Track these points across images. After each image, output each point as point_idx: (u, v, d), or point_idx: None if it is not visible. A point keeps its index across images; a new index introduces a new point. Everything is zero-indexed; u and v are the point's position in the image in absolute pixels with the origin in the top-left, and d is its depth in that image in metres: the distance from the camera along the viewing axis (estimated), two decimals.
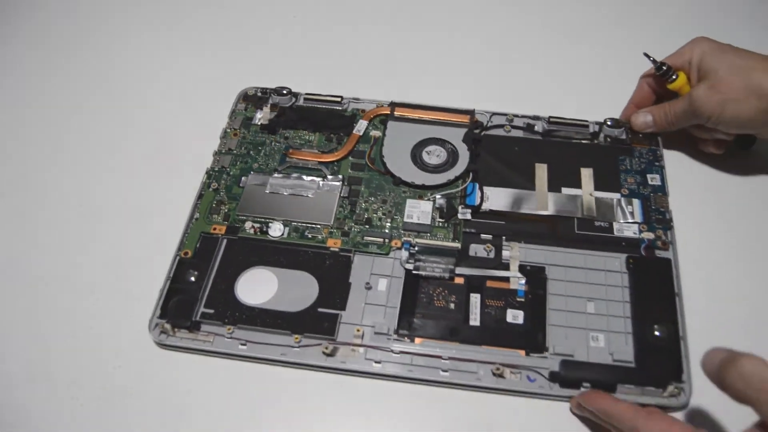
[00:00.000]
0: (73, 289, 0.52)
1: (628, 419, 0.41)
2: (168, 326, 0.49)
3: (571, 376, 0.46)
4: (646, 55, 0.57)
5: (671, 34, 0.61)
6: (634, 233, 0.53)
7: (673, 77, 0.56)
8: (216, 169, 0.57)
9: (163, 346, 0.49)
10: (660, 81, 0.58)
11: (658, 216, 0.54)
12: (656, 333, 0.48)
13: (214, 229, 0.54)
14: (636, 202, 0.55)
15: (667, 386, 0.46)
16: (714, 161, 0.59)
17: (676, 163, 0.59)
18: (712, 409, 0.46)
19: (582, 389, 0.46)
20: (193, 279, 0.51)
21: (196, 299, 0.50)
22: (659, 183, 0.57)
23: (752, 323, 0.50)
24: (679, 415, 0.46)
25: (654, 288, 0.51)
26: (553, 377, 0.47)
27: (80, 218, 0.57)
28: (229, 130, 0.60)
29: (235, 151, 0.59)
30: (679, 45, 0.57)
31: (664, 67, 0.56)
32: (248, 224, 0.54)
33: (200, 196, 0.56)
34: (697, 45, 0.56)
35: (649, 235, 0.53)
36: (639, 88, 0.61)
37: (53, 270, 0.54)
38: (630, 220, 0.54)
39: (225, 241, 0.53)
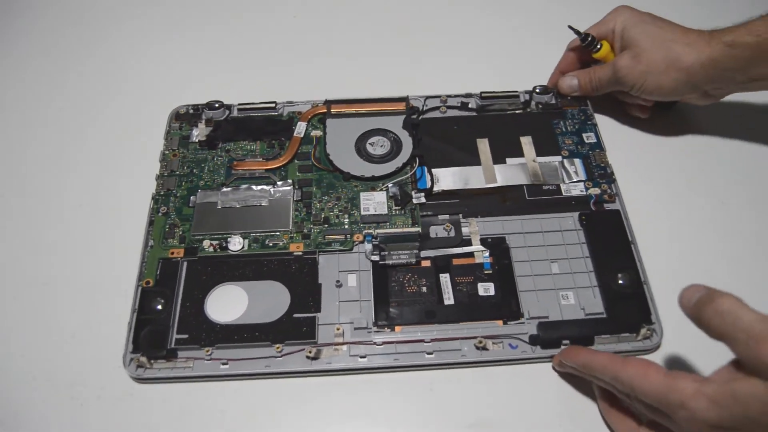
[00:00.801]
0: (37, 335, 0.50)
1: (607, 368, 0.42)
2: (144, 359, 0.47)
3: (549, 336, 0.48)
4: (570, 27, 0.59)
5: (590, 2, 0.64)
6: (581, 191, 0.56)
7: (598, 47, 0.58)
8: (162, 192, 0.56)
9: (141, 380, 0.48)
10: (585, 51, 0.60)
11: (599, 172, 0.57)
12: (620, 281, 0.50)
13: (172, 253, 0.52)
14: (577, 161, 0.57)
15: (639, 330, 0.48)
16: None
17: (606, 119, 0.61)
18: (685, 349, 0.49)
19: (562, 347, 0.48)
20: (160, 307, 0.50)
21: (167, 326, 0.49)
22: (595, 140, 0.59)
23: (702, 257, 0.53)
24: (654, 358, 0.48)
25: (609, 239, 0.53)
26: (533, 340, 0.48)
27: (30, 259, 0.54)
28: (167, 152, 0.59)
29: (178, 172, 0.57)
30: (600, 12, 0.59)
31: (589, 38, 0.58)
32: (206, 243, 0.53)
33: (151, 223, 0.54)
34: (620, 14, 0.58)
35: (596, 191, 0.55)
36: (564, 57, 0.63)
37: (11, 316, 0.51)
38: (575, 180, 0.56)
39: (185, 263, 0.52)
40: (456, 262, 0.52)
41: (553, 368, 0.48)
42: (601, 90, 0.60)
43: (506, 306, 0.50)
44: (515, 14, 0.72)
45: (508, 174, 0.57)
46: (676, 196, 0.57)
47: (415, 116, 0.61)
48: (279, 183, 0.56)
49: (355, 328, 0.49)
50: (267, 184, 0.56)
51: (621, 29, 0.57)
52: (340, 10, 0.73)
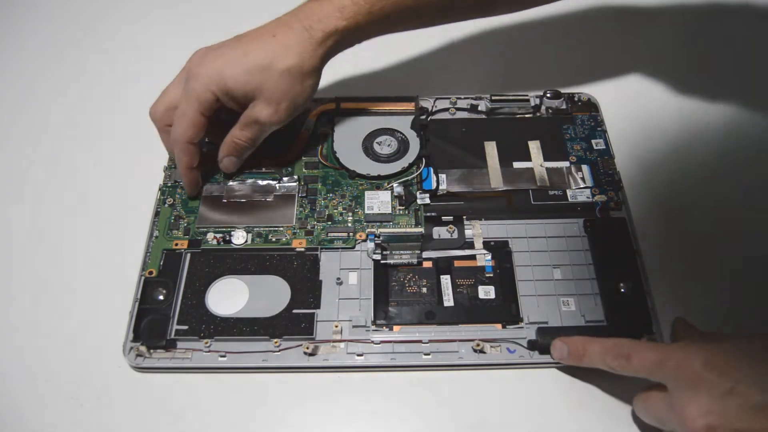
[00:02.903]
0: (37, 322, 0.51)
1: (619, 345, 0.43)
2: (143, 348, 0.48)
3: (548, 342, 0.48)
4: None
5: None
6: (588, 197, 0.55)
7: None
8: (168, 184, 0.57)
9: (140, 369, 0.48)
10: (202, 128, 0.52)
11: (607, 178, 0.56)
12: (622, 290, 0.50)
13: (176, 244, 0.53)
14: (585, 167, 0.57)
15: (640, 339, 0.47)
16: (652, 119, 0.62)
17: (616, 125, 0.61)
18: None
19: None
20: (161, 297, 0.50)
21: (168, 317, 0.49)
22: (604, 147, 0.59)
23: (706, 269, 0.53)
24: None
25: (613, 247, 0.52)
26: (532, 345, 0.48)
27: (35, 248, 0.55)
28: None
29: None
30: None
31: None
32: (210, 235, 0.53)
33: (157, 213, 0.55)
34: (206, 77, 0.50)
35: (602, 198, 0.55)
36: (186, 152, 0.53)
37: (11, 305, 0.52)
38: (582, 186, 0.56)
39: (188, 255, 0.52)
40: (457, 264, 0.52)
41: (552, 355, 0.48)
42: (257, 144, 0.55)
43: (506, 310, 0.49)
44: (529, 18, 0.72)
45: (515, 177, 0.57)
46: (682, 206, 0.56)
47: (423, 117, 0.61)
48: (284, 179, 0.56)
49: (354, 326, 0.49)
50: (273, 180, 0.57)
51: (221, 90, 0.50)
52: None
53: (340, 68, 0.67)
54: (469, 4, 0.54)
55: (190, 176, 0.54)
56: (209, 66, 0.50)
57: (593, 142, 0.59)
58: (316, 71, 0.52)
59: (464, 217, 0.54)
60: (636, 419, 0.45)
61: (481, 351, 0.48)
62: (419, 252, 0.52)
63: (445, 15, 0.55)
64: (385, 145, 0.59)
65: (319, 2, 0.51)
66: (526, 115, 0.61)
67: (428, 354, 0.48)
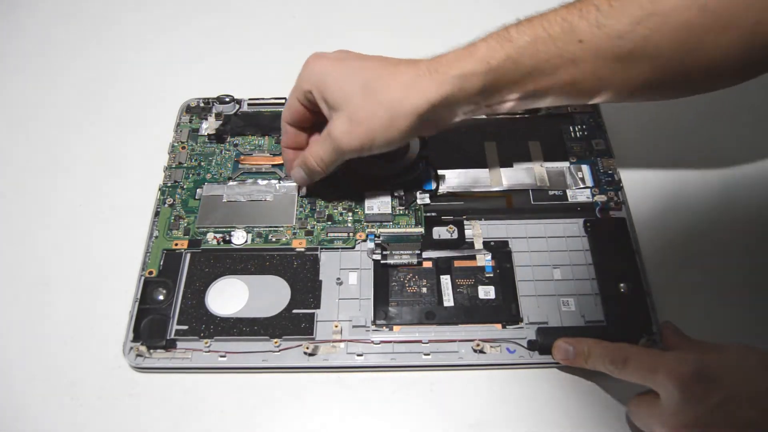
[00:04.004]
0: (37, 322, 0.51)
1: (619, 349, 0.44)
2: (143, 348, 0.48)
3: (548, 342, 0.48)
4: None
5: None
6: (588, 197, 0.55)
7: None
8: (169, 184, 0.57)
9: (140, 369, 0.48)
10: (304, 118, 0.52)
11: (607, 178, 0.56)
12: (622, 290, 0.50)
13: (176, 244, 0.53)
14: (585, 167, 0.57)
15: (639, 340, 0.48)
16: (652, 120, 0.61)
17: (616, 125, 0.61)
18: None
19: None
20: (161, 297, 0.50)
21: (168, 317, 0.49)
22: (603, 147, 0.59)
23: (707, 269, 0.53)
24: None
25: (613, 247, 0.52)
26: (532, 345, 0.48)
27: (35, 248, 0.55)
28: (176, 144, 0.59)
29: (185, 165, 0.58)
30: None
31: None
32: (210, 235, 0.53)
33: (157, 214, 0.55)
34: (310, 70, 0.49)
35: (602, 198, 0.55)
36: (284, 131, 0.54)
37: (13, 304, 0.52)
38: (582, 186, 0.56)
39: (188, 255, 0.52)
40: (457, 264, 0.52)
41: (552, 355, 0.48)
42: (333, 167, 0.51)
43: (506, 310, 0.50)
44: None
45: (515, 178, 0.57)
46: (682, 206, 0.56)
47: None
48: (285, 178, 0.57)
49: (354, 326, 0.49)
50: (273, 179, 0.57)
51: (319, 91, 0.48)
52: (352, 8, 0.73)
53: None
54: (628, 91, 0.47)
55: (284, 155, 0.54)
56: (324, 63, 0.49)
57: (593, 142, 0.59)
58: (417, 115, 0.46)
59: (464, 217, 0.54)
60: (630, 422, 0.45)
61: (481, 351, 0.48)
62: (419, 252, 0.52)
63: (584, 86, 0.47)
64: None
65: (456, 50, 0.46)
66: (526, 116, 0.61)
67: (428, 354, 0.48)
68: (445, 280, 0.51)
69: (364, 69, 0.47)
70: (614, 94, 0.47)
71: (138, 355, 0.48)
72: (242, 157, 0.58)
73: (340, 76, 0.47)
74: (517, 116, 0.61)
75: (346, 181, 0.56)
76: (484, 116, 0.61)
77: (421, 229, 0.54)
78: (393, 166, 0.56)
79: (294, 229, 0.54)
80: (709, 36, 0.42)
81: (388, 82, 0.46)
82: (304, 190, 0.56)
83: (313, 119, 0.52)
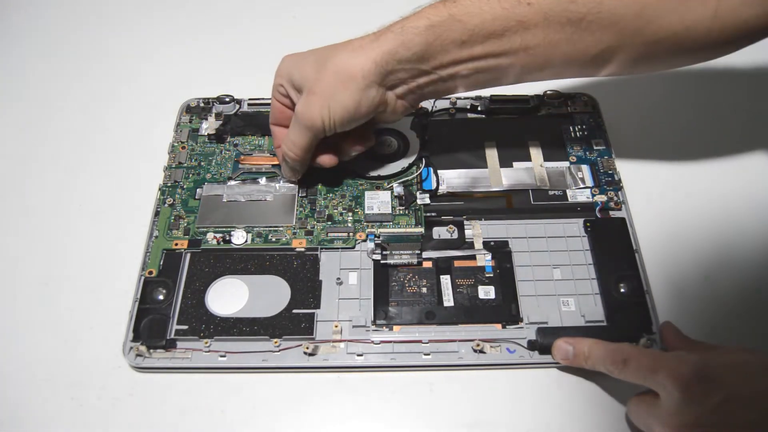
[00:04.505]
0: (37, 322, 0.51)
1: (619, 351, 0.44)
2: (143, 348, 0.48)
3: (548, 342, 0.48)
4: None
5: None
6: (587, 197, 0.55)
7: None
8: (169, 184, 0.57)
9: (140, 369, 0.48)
10: (285, 116, 0.53)
11: (607, 179, 0.56)
12: (622, 290, 0.50)
13: (176, 244, 0.53)
14: (585, 167, 0.57)
15: (639, 339, 0.48)
16: (652, 120, 0.62)
17: (616, 126, 0.61)
18: None
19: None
20: (161, 297, 0.50)
21: (168, 317, 0.49)
22: (603, 147, 0.59)
23: (707, 268, 0.53)
24: None
25: (613, 247, 0.52)
26: (532, 345, 0.48)
27: (35, 248, 0.55)
28: (176, 144, 0.59)
29: (185, 164, 0.58)
30: None
31: None
32: (210, 235, 0.53)
33: (157, 213, 0.55)
34: (280, 68, 0.51)
35: (602, 198, 0.55)
36: (273, 134, 0.55)
37: (11, 305, 0.52)
38: (582, 186, 0.56)
39: (188, 255, 0.52)
40: (457, 264, 0.52)
41: (552, 356, 0.48)
42: (306, 149, 0.51)
43: (506, 310, 0.49)
44: None
45: (515, 178, 0.57)
46: (682, 205, 0.56)
47: (423, 117, 0.61)
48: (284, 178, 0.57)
49: (354, 326, 0.49)
50: (273, 180, 0.57)
51: (288, 81, 0.50)
52: (352, 7, 0.73)
53: None
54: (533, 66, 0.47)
55: (277, 156, 0.55)
56: (292, 57, 0.51)
57: (593, 142, 0.59)
58: (363, 76, 0.46)
59: (464, 217, 0.54)
60: (629, 422, 0.45)
61: (481, 351, 0.48)
62: (419, 252, 0.52)
63: (535, 58, 0.47)
64: (385, 145, 0.59)
65: (404, 17, 0.47)
66: (526, 116, 0.61)
67: (428, 354, 0.48)
68: (445, 280, 0.51)
69: (324, 50, 0.49)
70: (572, 65, 0.47)
71: (138, 355, 0.48)
72: (242, 157, 0.58)
73: (302, 62, 0.49)
74: (517, 116, 0.61)
75: (344, 180, 0.56)
76: (483, 116, 0.61)
77: (421, 229, 0.54)
78: (392, 166, 0.57)
79: (294, 229, 0.54)
80: (670, 3, 0.42)
81: (337, 52, 0.47)
82: (299, 187, 0.56)
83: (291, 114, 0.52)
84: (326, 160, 0.53)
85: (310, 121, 0.48)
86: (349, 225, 0.54)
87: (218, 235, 0.53)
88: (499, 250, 0.53)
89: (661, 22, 0.43)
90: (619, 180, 0.56)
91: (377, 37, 0.46)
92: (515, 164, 0.58)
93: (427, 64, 0.46)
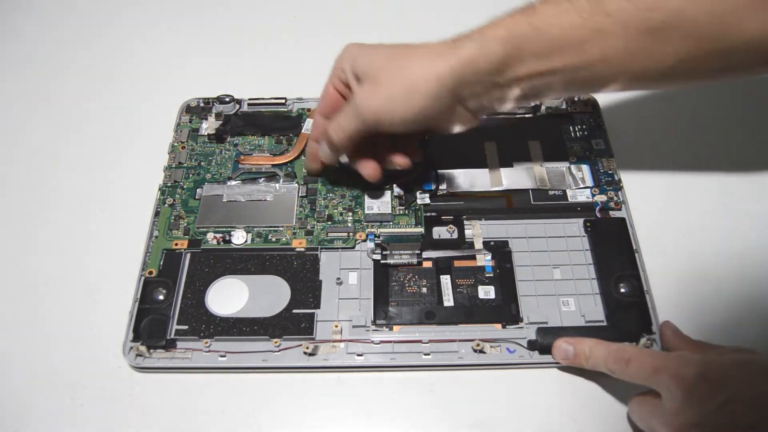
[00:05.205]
0: (37, 322, 0.51)
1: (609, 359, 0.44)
2: (143, 348, 0.48)
3: (548, 342, 0.48)
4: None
5: None
6: (587, 197, 0.55)
7: None
8: (169, 184, 0.57)
9: (140, 369, 0.48)
10: (336, 105, 0.51)
11: (607, 178, 0.56)
12: (622, 290, 0.50)
13: (176, 244, 0.53)
14: (585, 167, 0.57)
15: (639, 339, 0.48)
16: (652, 119, 0.62)
17: (616, 125, 0.61)
18: None
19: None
20: (161, 297, 0.50)
21: (168, 317, 0.49)
22: (603, 147, 0.59)
23: (707, 268, 0.53)
24: None
25: (613, 247, 0.52)
26: (532, 345, 0.48)
27: (35, 248, 0.55)
28: (176, 144, 0.59)
29: (185, 164, 0.58)
30: None
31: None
32: (210, 235, 0.53)
33: (157, 213, 0.55)
34: (345, 52, 0.50)
35: (602, 198, 0.55)
36: (315, 123, 0.54)
37: (13, 304, 0.52)
38: (582, 186, 0.56)
39: (188, 255, 0.52)
40: (457, 263, 0.52)
41: (552, 355, 0.48)
42: (352, 138, 0.49)
43: (506, 310, 0.49)
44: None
45: (515, 178, 0.57)
46: (682, 205, 0.56)
47: None
48: (285, 178, 0.57)
49: (354, 326, 0.49)
50: (273, 179, 0.57)
51: (351, 66, 0.48)
52: (352, 8, 0.73)
53: None
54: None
55: (309, 149, 0.55)
56: (358, 45, 0.49)
57: (593, 141, 0.59)
58: (437, 81, 0.44)
59: (464, 217, 0.54)
60: (630, 422, 0.45)
61: (481, 351, 0.48)
62: (419, 252, 0.52)
63: (613, 67, 0.45)
64: None
65: (482, 26, 0.46)
66: (526, 115, 0.61)
67: (428, 354, 0.48)
68: (445, 280, 0.51)
69: (393, 46, 0.47)
70: (646, 77, 0.46)
71: (138, 355, 0.48)
72: (242, 157, 0.58)
73: (370, 52, 0.48)
74: (517, 116, 0.61)
75: (344, 180, 0.56)
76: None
77: (421, 229, 0.54)
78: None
79: (294, 229, 0.54)
80: (749, 10, 0.41)
81: (413, 51, 0.46)
82: (299, 188, 0.56)
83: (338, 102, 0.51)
84: (370, 170, 0.52)
85: (369, 111, 0.47)
86: (349, 225, 0.54)
87: (218, 235, 0.53)
88: (499, 250, 0.53)
89: (740, 28, 0.42)
90: (619, 180, 0.56)
91: (455, 45, 0.45)
92: (515, 164, 0.58)
93: (503, 76, 0.45)
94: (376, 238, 0.53)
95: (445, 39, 0.46)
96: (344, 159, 0.53)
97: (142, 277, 0.51)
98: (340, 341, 0.49)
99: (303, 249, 0.53)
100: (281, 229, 0.54)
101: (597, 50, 0.43)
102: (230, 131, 0.60)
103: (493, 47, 0.44)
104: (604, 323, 0.49)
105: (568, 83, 0.46)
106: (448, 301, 0.50)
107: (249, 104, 0.62)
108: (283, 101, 0.62)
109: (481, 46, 0.44)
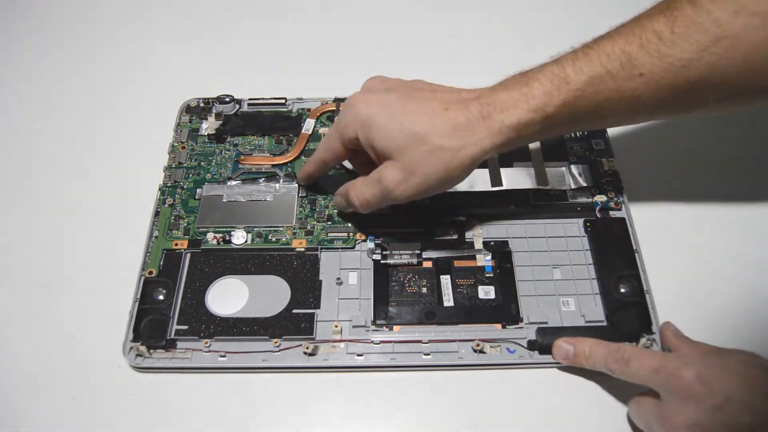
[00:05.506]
0: (37, 322, 0.51)
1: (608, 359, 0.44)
2: (143, 348, 0.48)
3: (548, 342, 0.48)
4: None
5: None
6: (588, 197, 0.55)
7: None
8: (169, 184, 0.57)
9: (140, 369, 0.48)
10: (343, 158, 0.51)
11: (607, 179, 0.56)
12: (622, 290, 0.50)
13: (176, 244, 0.53)
14: (585, 167, 0.57)
15: (639, 339, 0.48)
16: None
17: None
18: None
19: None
20: (161, 297, 0.50)
21: (168, 317, 0.49)
22: (603, 147, 0.59)
23: (708, 267, 0.53)
24: None
25: (613, 247, 0.52)
26: (532, 345, 0.48)
27: (35, 248, 0.55)
28: (176, 144, 0.59)
29: (185, 165, 0.58)
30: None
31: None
32: (210, 235, 0.53)
33: (157, 214, 0.55)
34: (354, 117, 0.46)
35: (602, 198, 0.55)
36: (315, 162, 0.52)
37: (11, 305, 0.52)
38: (582, 186, 0.56)
39: (188, 255, 0.52)
40: (457, 264, 0.52)
41: (553, 355, 0.48)
42: (374, 208, 0.49)
43: (506, 310, 0.49)
44: (525, 16, 0.72)
45: (515, 178, 0.57)
46: (682, 205, 0.56)
47: None
48: (285, 178, 0.57)
49: (354, 326, 0.49)
50: (273, 179, 0.57)
51: (364, 136, 0.46)
52: (353, 9, 0.73)
53: (340, 67, 0.67)
54: (695, 103, 0.45)
55: (305, 180, 0.55)
56: (366, 106, 0.46)
57: (593, 142, 0.59)
58: (471, 164, 0.45)
59: (464, 217, 0.54)
60: (630, 422, 0.45)
61: (481, 351, 0.48)
62: (419, 252, 0.52)
63: (642, 114, 0.46)
64: None
65: (508, 89, 0.44)
66: None
67: (428, 354, 0.48)
68: (445, 280, 0.51)
69: (412, 115, 0.45)
70: (674, 116, 0.47)
71: (138, 355, 0.48)
72: (242, 157, 0.58)
73: (386, 124, 0.45)
74: None
75: (345, 180, 0.56)
76: None
77: (421, 229, 0.54)
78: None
79: (294, 229, 0.54)
80: None
81: (440, 132, 0.44)
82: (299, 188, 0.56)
83: (350, 156, 0.50)
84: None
85: (401, 197, 0.46)
86: (349, 225, 0.54)
87: (218, 235, 0.53)
88: (499, 250, 0.53)
89: None
90: (619, 180, 0.56)
91: (485, 120, 0.44)
92: (515, 164, 0.57)
93: (535, 140, 0.47)
94: (376, 239, 0.53)
95: (472, 98, 0.45)
96: None
97: (142, 277, 0.51)
98: (340, 341, 0.49)
99: (303, 249, 0.53)
100: (281, 229, 0.54)
101: (627, 109, 0.44)
102: (230, 131, 0.60)
103: (528, 131, 0.44)
104: (604, 323, 0.49)
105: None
106: (448, 301, 0.50)
107: (249, 104, 0.62)
108: (283, 101, 0.62)
109: (516, 132, 0.44)
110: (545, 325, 0.49)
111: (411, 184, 0.45)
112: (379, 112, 0.45)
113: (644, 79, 0.42)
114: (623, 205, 0.55)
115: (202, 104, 0.62)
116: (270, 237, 0.53)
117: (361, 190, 0.48)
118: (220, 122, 0.61)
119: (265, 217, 0.54)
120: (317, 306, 0.50)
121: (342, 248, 0.53)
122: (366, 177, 0.48)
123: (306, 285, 0.51)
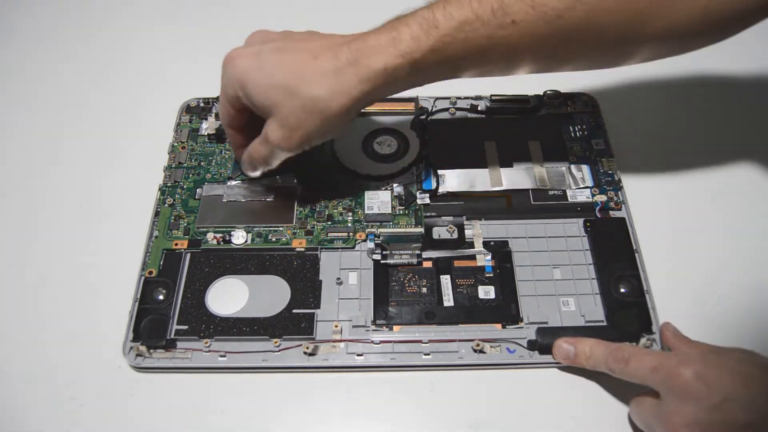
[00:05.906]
0: (37, 322, 0.51)
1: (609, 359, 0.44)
2: (143, 348, 0.48)
3: (548, 342, 0.48)
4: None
5: None
6: (587, 197, 0.55)
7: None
8: (169, 184, 0.57)
9: (140, 369, 0.48)
10: (241, 118, 0.51)
11: (607, 178, 0.56)
12: (622, 290, 0.50)
13: (176, 244, 0.53)
14: (585, 167, 0.57)
15: (639, 339, 0.48)
16: (652, 120, 0.62)
17: (616, 125, 0.61)
18: None
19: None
20: (161, 297, 0.50)
21: (168, 317, 0.49)
22: (603, 147, 0.59)
23: (707, 268, 0.53)
24: None
25: (613, 247, 0.52)
26: (532, 345, 0.48)
27: (35, 248, 0.55)
28: (176, 144, 0.59)
29: (185, 164, 0.58)
30: None
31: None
32: (210, 235, 0.53)
33: (157, 214, 0.55)
34: (230, 76, 0.47)
35: (602, 198, 0.55)
36: (226, 111, 0.51)
37: (13, 304, 0.52)
38: (582, 186, 0.56)
39: (188, 255, 0.52)
40: (457, 263, 0.52)
41: (553, 355, 0.48)
42: (277, 162, 0.50)
43: (506, 310, 0.49)
44: None
45: (515, 178, 0.57)
46: (682, 205, 0.56)
47: (423, 117, 0.61)
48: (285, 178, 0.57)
49: (354, 326, 0.49)
50: (272, 180, 0.57)
51: (244, 93, 0.46)
52: (353, 9, 0.74)
53: None
54: (550, 54, 0.45)
55: (238, 155, 0.54)
56: (240, 63, 0.46)
57: (593, 142, 0.59)
58: (347, 112, 0.45)
59: (464, 217, 0.54)
60: (630, 422, 0.45)
61: (481, 351, 0.48)
62: (419, 252, 0.52)
63: (518, 65, 0.46)
64: (385, 145, 0.59)
65: (377, 32, 0.44)
66: (526, 116, 0.61)
67: (428, 354, 0.48)
68: (445, 280, 0.51)
69: (282, 68, 0.45)
70: (553, 66, 0.47)
71: (138, 355, 0.48)
72: None
73: (260, 79, 0.45)
74: (517, 116, 0.61)
75: (344, 181, 0.56)
76: (483, 116, 0.61)
77: (421, 229, 0.54)
78: (391, 166, 0.57)
79: (294, 229, 0.54)
80: (653, 9, 0.41)
81: (310, 82, 0.44)
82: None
83: (248, 117, 0.50)
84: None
85: (289, 148, 0.47)
86: (349, 225, 0.54)
87: (218, 235, 0.53)
88: (499, 250, 0.53)
89: (649, 26, 0.42)
90: (619, 180, 0.56)
91: (353, 66, 0.43)
92: (515, 164, 0.58)
93: (409, 86, 0.46)
94: (376, 238, 0.53)
95: (342, 43, 0.45)
96: None
97: (142, 277, 0.51)
98: (340, 341, 0.49)
99: (303, 249, 0.53)
100: (281, 229, 0.54)
101: (501, 57, 0.44)
102: None
103: (396, 75, 0.44)
104: (604, 323, 0.49)
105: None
106: (448, 301, 0.50)
107: None
108: None
109: (383, 77, 0.44)
110: (545, 325, 0.49)
111: (294, 138, 0.46)
112: (253, 68, 0.45)
113: (517, 28, 0.42)
114: (623, 205, 0.55)
115: (202, 104, 0.62)
116: (270, 237, 0.53)
117: (257, 150, 0.49)
118: (220, 122, 0.61)
119: (265, 216, 0.54)
120: (317, 306, 0.50)
121: (342, 248, 0.53)
122: (260, 136, 0.48)
123: (306, 285, 0.51)
